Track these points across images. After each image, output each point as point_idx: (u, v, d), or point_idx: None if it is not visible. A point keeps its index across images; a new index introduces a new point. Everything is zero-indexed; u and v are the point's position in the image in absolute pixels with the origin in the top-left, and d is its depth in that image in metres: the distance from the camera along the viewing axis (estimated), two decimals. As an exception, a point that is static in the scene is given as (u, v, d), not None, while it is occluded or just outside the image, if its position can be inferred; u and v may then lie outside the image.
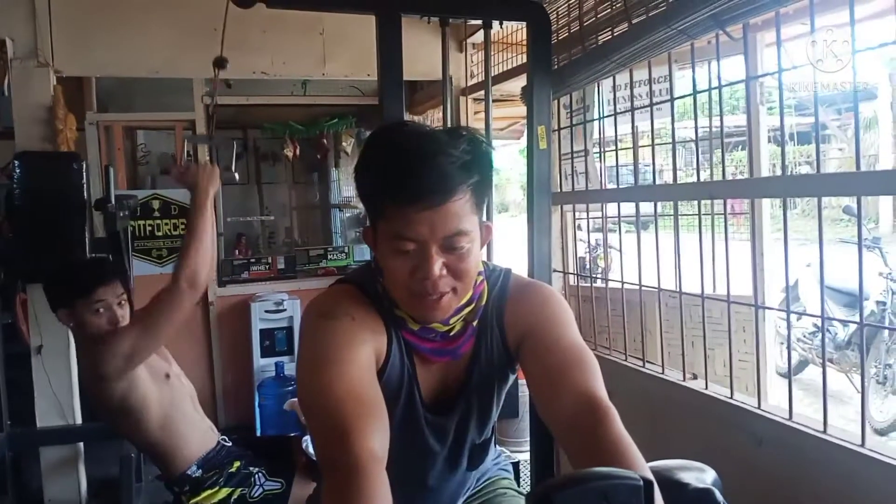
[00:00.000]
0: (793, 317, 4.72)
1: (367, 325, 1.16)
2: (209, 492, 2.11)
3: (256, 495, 2.15)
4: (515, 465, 2.42)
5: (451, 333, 1.22)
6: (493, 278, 1.28)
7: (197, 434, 2.19)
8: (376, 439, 0.98)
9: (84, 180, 3.23)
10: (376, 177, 1.11)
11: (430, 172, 1.07)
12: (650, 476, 0.79)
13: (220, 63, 2.48)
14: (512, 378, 1.33)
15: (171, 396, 2.15)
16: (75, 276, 2.17)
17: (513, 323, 1.25)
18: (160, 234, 4.48)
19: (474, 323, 1.23)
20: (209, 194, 2.16)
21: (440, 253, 1.09)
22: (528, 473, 2.64)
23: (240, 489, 2.14)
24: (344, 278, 1.29)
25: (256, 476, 2.18)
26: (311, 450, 2.24)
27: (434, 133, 1.14)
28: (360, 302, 1.19)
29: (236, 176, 2.48)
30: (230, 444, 2.29)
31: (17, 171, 3.15)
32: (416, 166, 1.07)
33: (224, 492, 2.12)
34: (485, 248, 1.26)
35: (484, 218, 1.17)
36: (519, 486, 1.62)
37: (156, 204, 4.47)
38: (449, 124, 2.73)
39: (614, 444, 0.97)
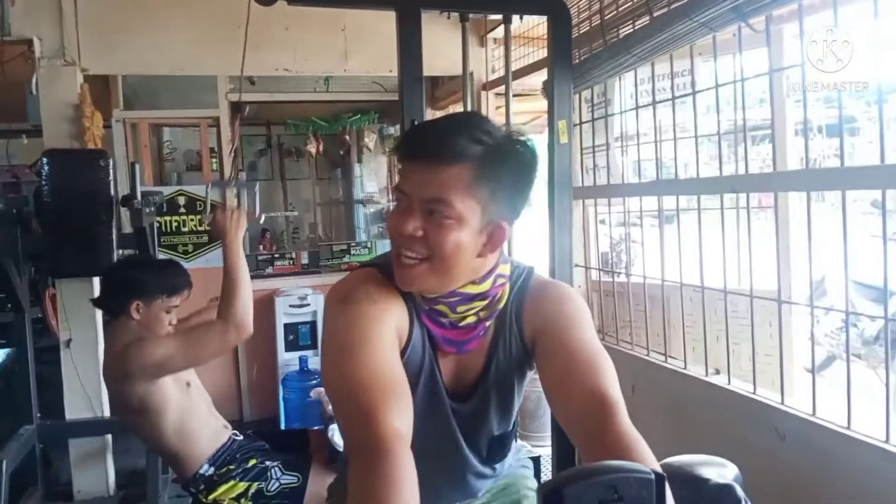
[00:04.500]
0: (821, 312, 4.67)
1: (388, 306, 1.16)
2: (225, 486, 2.14)
3: (273, 489, 2.17)
4: (536, 459, 2.42)
5: (461, 324, 1.22)
6: (514, 276, 1.28)
7: (210, 434, 2.23)
8: (401, 419, 0.98)
9: (111, 177, 3.27)
10: (398, 140, 1.19)
11: (433, 132, 1.14)
12: (660, 469, 0.79)
13: (239, 108, 2.50)
14: (530, 375, 1.32)
15: (189, 404, 2.18)
16: (172, 275, 2.23)
17: (530, 320, 1.25)
18: (186, 229, 4.53)
19: (487, 323, 1.23)
20: (238, 240, 2.16)
21: (421, 215, 1.11)
22: (549, 468, 2.63)
23: (256, 483, 2.16)
24: (365, 263, 1.30)
25: (273, 470, 2.20)
26: (336, 439, 2.25)
27: (473, 113, 1.19)
28: (380, 284, 1.19)
29: (262, 219, 2.50)
30: (241, 437, 2.31)
31: (46, 168, 3.20)
32: (426, 126, 1.18)
33: (241, 486, 2.15)
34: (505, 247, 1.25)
35: (505, 221, 1.15)
36: (540, 482, 1.61)
37: (181, 200, 4.52)
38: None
39: (620, 438, 0.97)
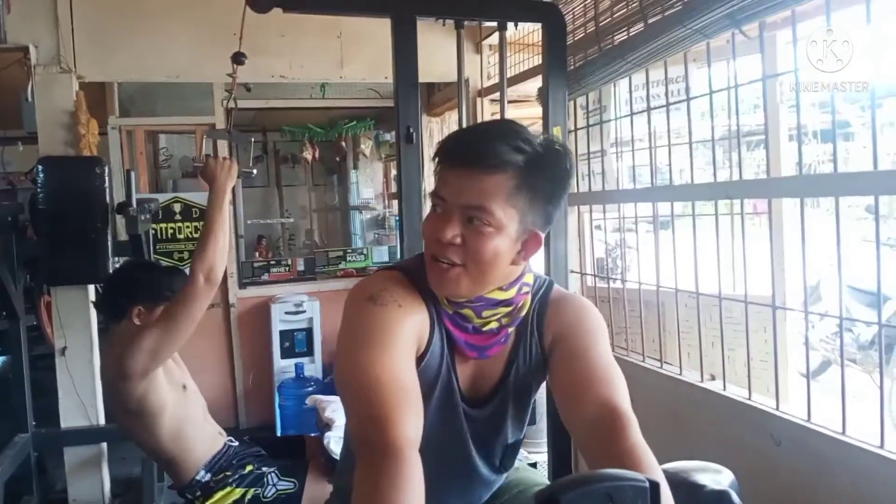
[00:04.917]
0: (816, 317, 4.67)
1: (412, 312, 1.17)
2: (222, 493, 2.14)
3: (270, 495, 2.17)
4: (532, 465, 2.42)
5: (485, 329, 1.23)
6: (537, 286, 1.30)
7: (206, 440, 2.23)
8: (413, 427, 0.99)
9: (106, 184, 3.26)
10: (439, 145, 1.18)
11: (474, 139, 1.15)
12: (659, 480, 0.79)
13: (237, 59, 2.48)
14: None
15: (186, 407, 2.19)
16: (175, 281, 2.23)
17: (550, 327, 1.27)
18: (181, 236, 4.53)
19: (510, 329, 1.25)
20: (226, 189, 2.19)
21: (460, 222, 1.12)
22: (546, 474, 2.63)
23: (253, 489, 2.16)
24: (392, 265, 1.31)
25: (269, 476, 2.20)
26: (332, 447, 2.25)
27: (510, 122, 1.20)
28: (407, 289, 1.20)
29: (254, 171, 2.50)
30: (236, 443, 2.31)
31: (41, 175, 3.19)
32: (466, 133, 1.20)
33: (237, 492, 2.15)
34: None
35: (539, 229, 1.17)
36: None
37: (177, 207, 4.53)
38: (465, 126, 2.72)
39: (630, 452, 0.98)
